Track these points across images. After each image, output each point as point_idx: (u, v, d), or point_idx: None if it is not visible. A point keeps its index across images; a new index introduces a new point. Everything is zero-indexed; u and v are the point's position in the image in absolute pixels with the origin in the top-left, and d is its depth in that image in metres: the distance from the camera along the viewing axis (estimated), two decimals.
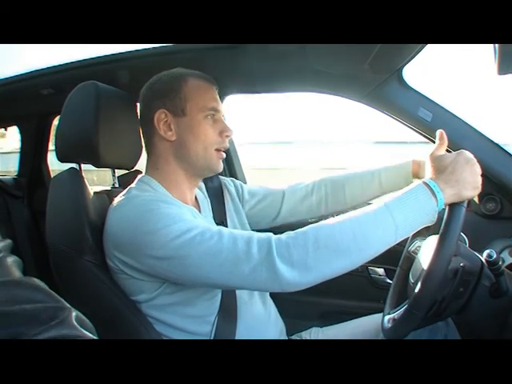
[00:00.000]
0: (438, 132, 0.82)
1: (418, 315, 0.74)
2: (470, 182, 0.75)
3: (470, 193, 0.75)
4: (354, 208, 0.77)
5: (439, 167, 0.77)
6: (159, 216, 0.77)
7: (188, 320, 0.85)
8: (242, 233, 0.76)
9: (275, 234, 0.75)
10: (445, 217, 0.74)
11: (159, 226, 0.76)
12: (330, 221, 0.73)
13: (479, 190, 0.77)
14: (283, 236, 0.73)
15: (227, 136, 0.92)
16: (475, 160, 0.78)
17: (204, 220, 0.92)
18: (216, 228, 0.77)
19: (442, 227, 0.73)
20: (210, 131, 0.90)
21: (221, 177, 1.11)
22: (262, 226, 1.10)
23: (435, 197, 0.73)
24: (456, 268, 0.75)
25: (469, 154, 0.78)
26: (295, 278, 0.70)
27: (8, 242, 0.49)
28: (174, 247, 0.75)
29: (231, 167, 1.52)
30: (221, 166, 0.93)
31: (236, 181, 1.13)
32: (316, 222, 0.75)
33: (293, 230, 0.75)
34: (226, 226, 1.02)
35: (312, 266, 0.70)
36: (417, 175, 0.96)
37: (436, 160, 0.78)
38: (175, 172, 0.91)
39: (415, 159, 0.97)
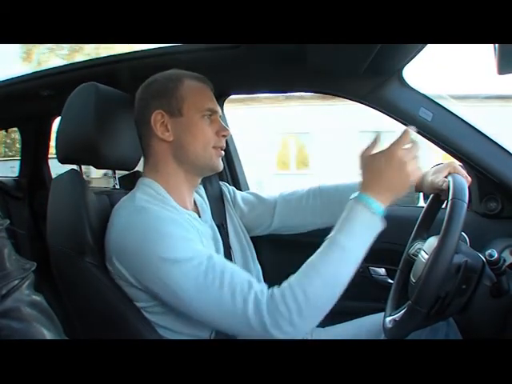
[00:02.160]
0: (375, 135, 0.80)
1: (422, 311, 0.74)
2: (398, 185, 0.76)
3: (404, 191, 0.77)
4: None
5: (368, 170, 0.78)
6: (165, 240, 0.78)
7: (188, 323, 0.85)
8: (241, 286, 0.76)
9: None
10: (446, 212, 0.74)
11: (164, 250, 0.77)
12: (302, 286, 0.74)
13: (413, 178, 0.76)
14: (277, 299, 0.74)
15: (224, 136, 0.92)
16: (400, 155, 0.75)
17: (204, 225, 0.93)
18: (219, 266, 0.77)
19: (444, 223, 0.74)
20: (207, 130, 0.90)
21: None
22: (256, 234, 1.10)
23: (372, 208, 0.75)
24: (459, 263, 0.76)
25: (391, 153, 0.76)
26: (284, 337, 0.75)
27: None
28: (172, 276, 0.76)
29: (232, 168, 1.52)
30: (221, 165, 0.93)
31: (227, 185, 1.15)
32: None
33: None
34: (226, 228, 1.03)
35: (300, 329, 0.76)
36: (420, 188, 0.95)
37: (365, 160, 0.79)
38: (175, 173, 0.91)
39: None
